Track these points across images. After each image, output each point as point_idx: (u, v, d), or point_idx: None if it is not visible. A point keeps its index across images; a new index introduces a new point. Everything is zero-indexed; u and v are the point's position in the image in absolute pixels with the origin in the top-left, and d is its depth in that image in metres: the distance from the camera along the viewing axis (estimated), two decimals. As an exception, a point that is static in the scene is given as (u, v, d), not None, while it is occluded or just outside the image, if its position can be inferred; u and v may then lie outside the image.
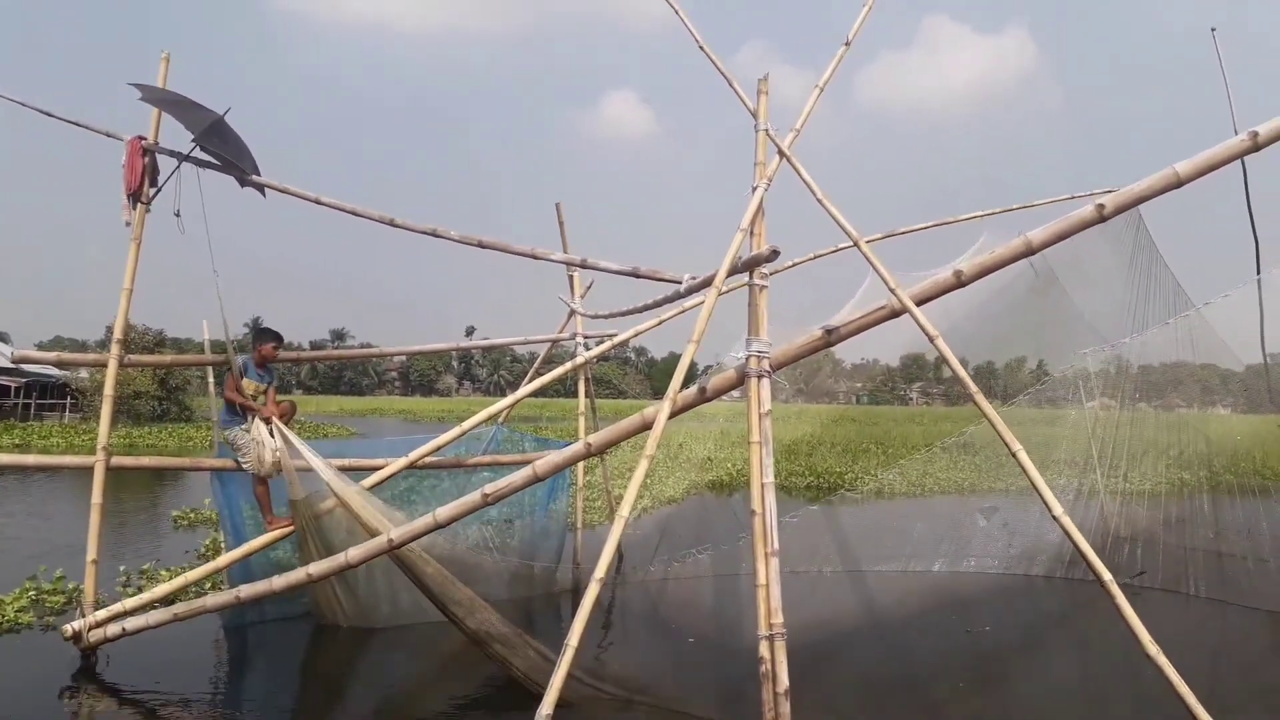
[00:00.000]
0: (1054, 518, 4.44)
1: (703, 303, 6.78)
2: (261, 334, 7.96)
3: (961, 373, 4.83)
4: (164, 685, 6.93)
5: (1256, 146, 4.57)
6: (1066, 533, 4.38)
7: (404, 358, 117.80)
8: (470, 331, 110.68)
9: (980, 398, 4.75)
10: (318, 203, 7.07)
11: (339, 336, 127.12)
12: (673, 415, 5.28)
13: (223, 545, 8.58)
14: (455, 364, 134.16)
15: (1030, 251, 5.06)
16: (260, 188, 7.48)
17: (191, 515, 14.67)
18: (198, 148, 7.31)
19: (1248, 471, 12.49)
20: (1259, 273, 8.93)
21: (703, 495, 18.15)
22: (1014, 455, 4.60)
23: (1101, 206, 4.87)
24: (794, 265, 9.61)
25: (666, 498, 15.98)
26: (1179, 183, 4.72)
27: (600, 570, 4.79)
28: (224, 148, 7.27)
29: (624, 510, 4.97)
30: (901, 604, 10.03)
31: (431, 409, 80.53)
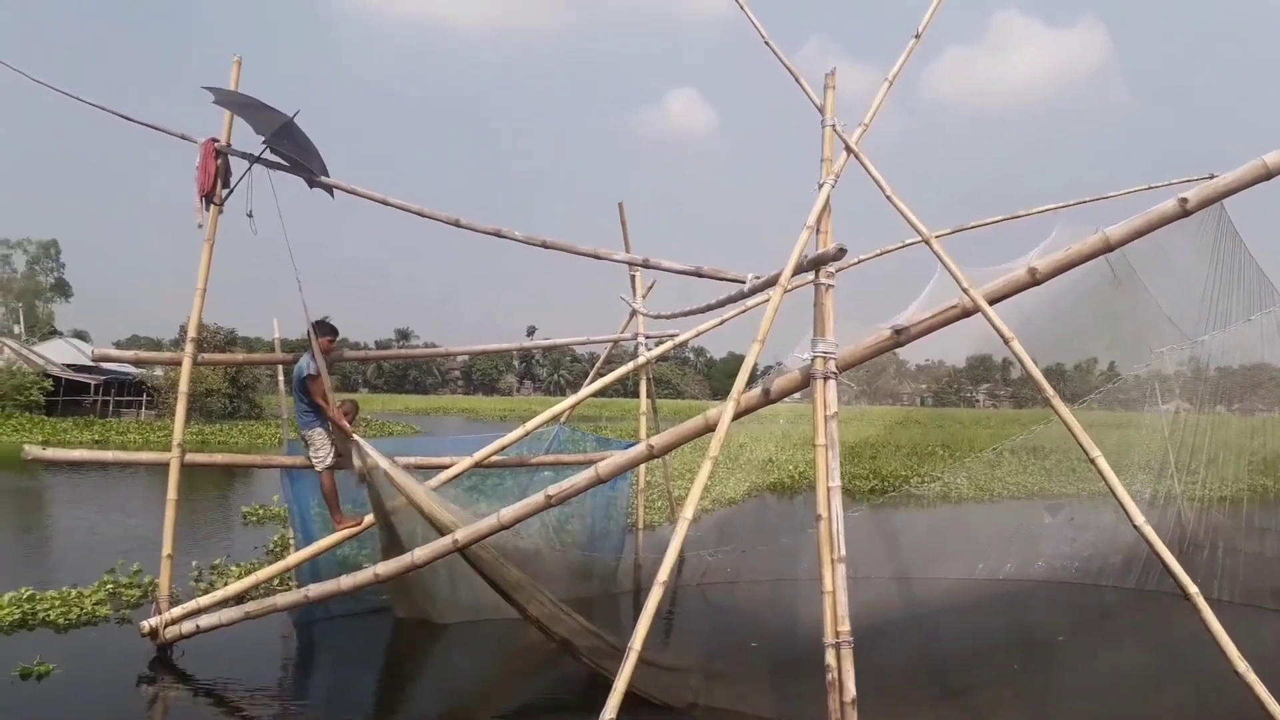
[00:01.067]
0: (1135, 527, 4.25)
1: (764, 302, 6.75)
2: (318, 327, 7.96)
3: (1038, 376, 4.66)
4: (236, 676, 7.16)
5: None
6: (1149, 543, 4.19)
7: (467, 357, 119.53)
8: (531, 332, 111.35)
9: (1058, 402, 4.59)
10: (384, 203, 7.15)
11: (404, 336, 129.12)
12: (737, 417, 5.20)
13: (291, 541, 8.74)
14: (516, 364, 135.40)
15: (1109, 248, 4.88)
16: (329, 188, 7.60)
17: (260, 511, 14.99)
18: (268, 149, 7.45)
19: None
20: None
21: (764, 497, 18.01)
22: (1092, 462, 4.43)
23: (1184, 200, 4.68)
24: (859, 262, 9.40)
25: (727, 499, 15.86)
26: (1268, 175, 4.52)
27: (664, 573, 4.74)
28: (294, 149, 7.40)
29: (687, 512, 4.91)
30: (968, 610, 9.77)
31: (493, 408, 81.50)
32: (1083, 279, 9.92)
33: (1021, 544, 11.37)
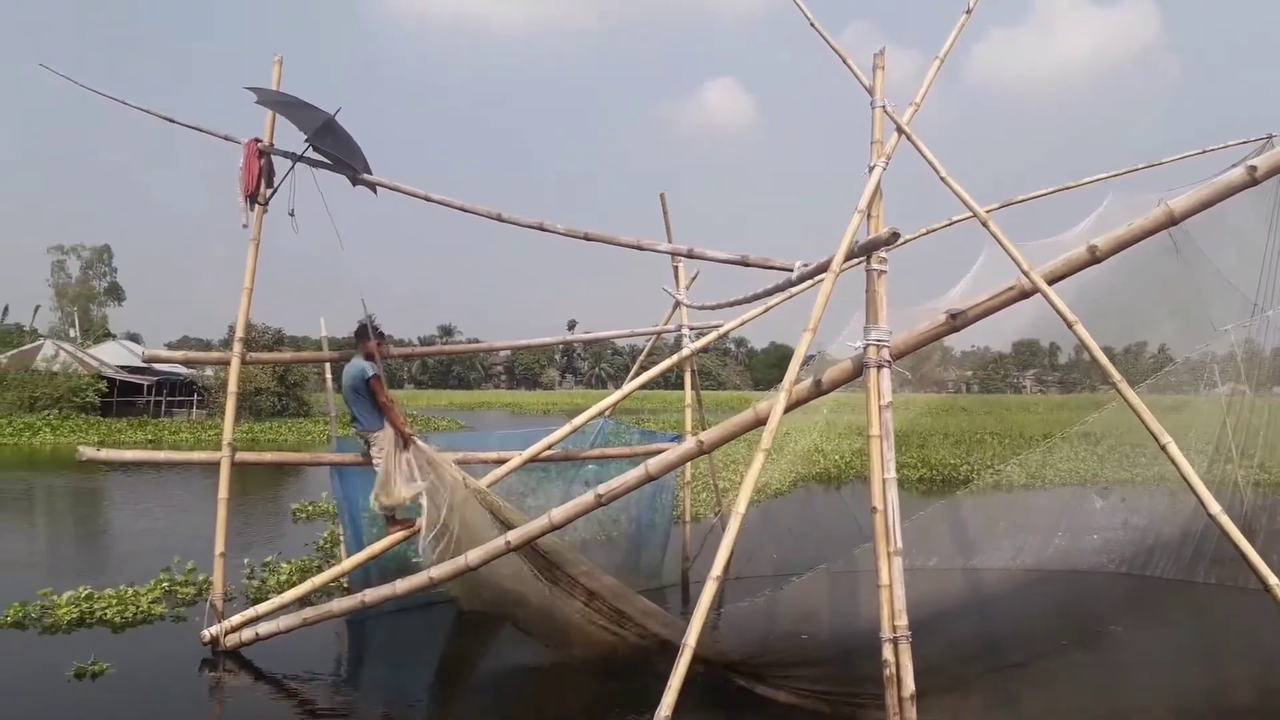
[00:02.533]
0: (1210, 516, 4.07)
1: (805, 291, 6.60)
2: (368, 330, 7.98)
3: (1104, 361, 4.48)
4: (291, 673, 7.22)
5: None
6: (1224, 531, 4.01)
7: (509, 352, 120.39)
8: (572, 325, 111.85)
9: (1125, 386, 4.42)
10: (427, 199, 7.13)
11: (447, 332, 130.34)
12: (789, 409, 5.08)
13: (341, 538, 8.79)
14: (558, 358, 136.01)
15: (1172, 222, 4.68)
16: (372, 185, 7.60)
17: (310, 509, 15.15)
18: (311, 148, 7.47)
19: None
20: None
21: (809, 488, 17.82)
22: (1163, 449, 4.26)
23: (1253, 169, 4.46)
24: (905, 242, 9.16)
25: (773, 490, 15.70)
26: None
27: (717, 569, 4.65)
28: (336, 147, 7.41)
29: (740, 506, 4.81)
30: (1021, 598, 9.49)
31: (536, 402, 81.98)
32: (1139, 249, 9.54)
33: (1072, 530, 11.01)
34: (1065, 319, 4.65)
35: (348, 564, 7.81)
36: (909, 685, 5.05)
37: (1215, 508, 4.04)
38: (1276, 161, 4.37)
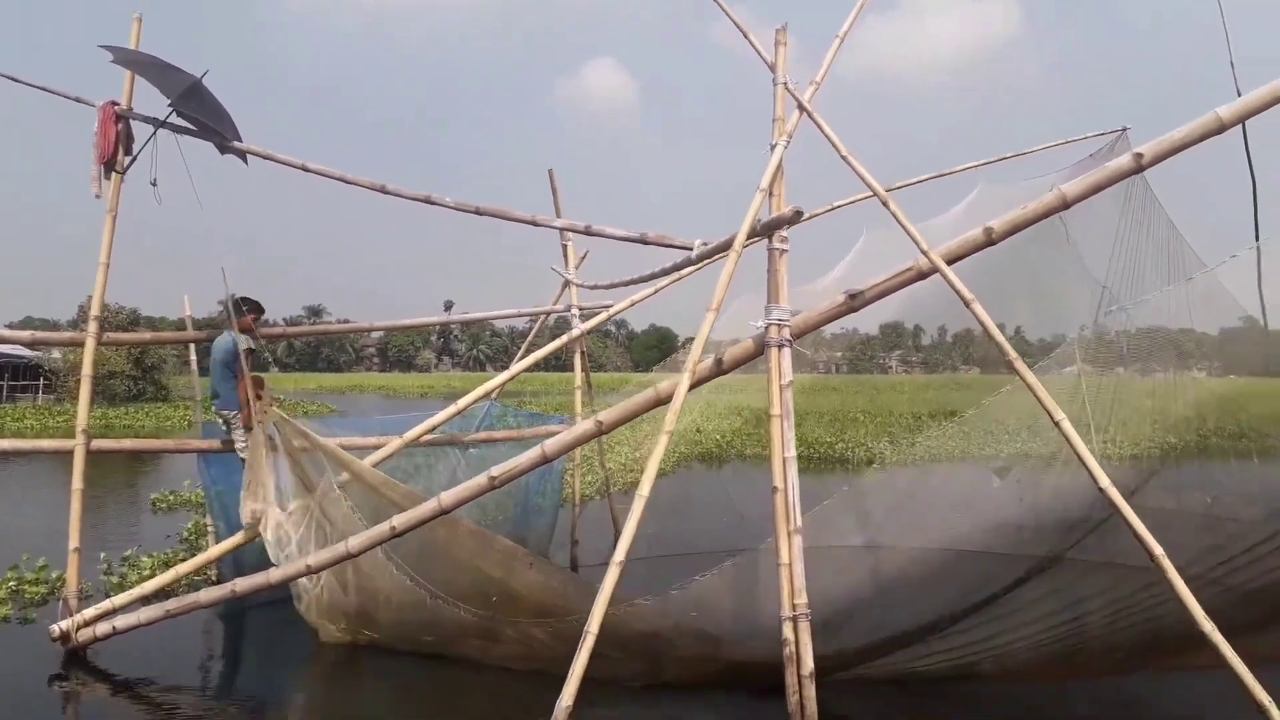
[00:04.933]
0: (1100, 489, 4.21)
1: (695, 272, 6.51)
2: (243, 303, 7.56)
3: (1000, 338, 4.57)
4: (155, 675, 6.65)
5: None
6: (1115, 505, 4.15)
7: (382, 334, 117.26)
8: (449, 306, 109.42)
9: (1020, 364, 4.52)
10: (304, 169, 6.70)
11: (315, 313, 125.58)
12: (692, 388, 5.01)
13: (208, 529, 8.27)
14: (434, 339, 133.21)
15: (1065, 206, 4.81)
16: (242, 154, 7.10)
17: (171, 498, 14.26)
18: (175, 113, 6.92)
19: (1234, 434, 12.35)
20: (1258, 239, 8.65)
21: (691, 468, 17.99)
22: (1057, 425, 4.38)
23: (1139, 156, 4.62)
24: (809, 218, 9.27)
25: (657, 471, 15.73)
26: (1221, 128, 4.48)
27: (620, 553, 4.55)
28: (202, 112, 6.89)
29: (644, 489, 4.74)
30: (920, 579, 9.72)
31: (412, 385, 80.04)
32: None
33: (970, 509, 11.35)
34: (963, 298, 4.72)
35: (215, 551, 7.29)
36: (808, 663, 5.08)
37: (1105, 481, 4.17)
38: (1160, 149, 4.53)
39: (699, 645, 6.06)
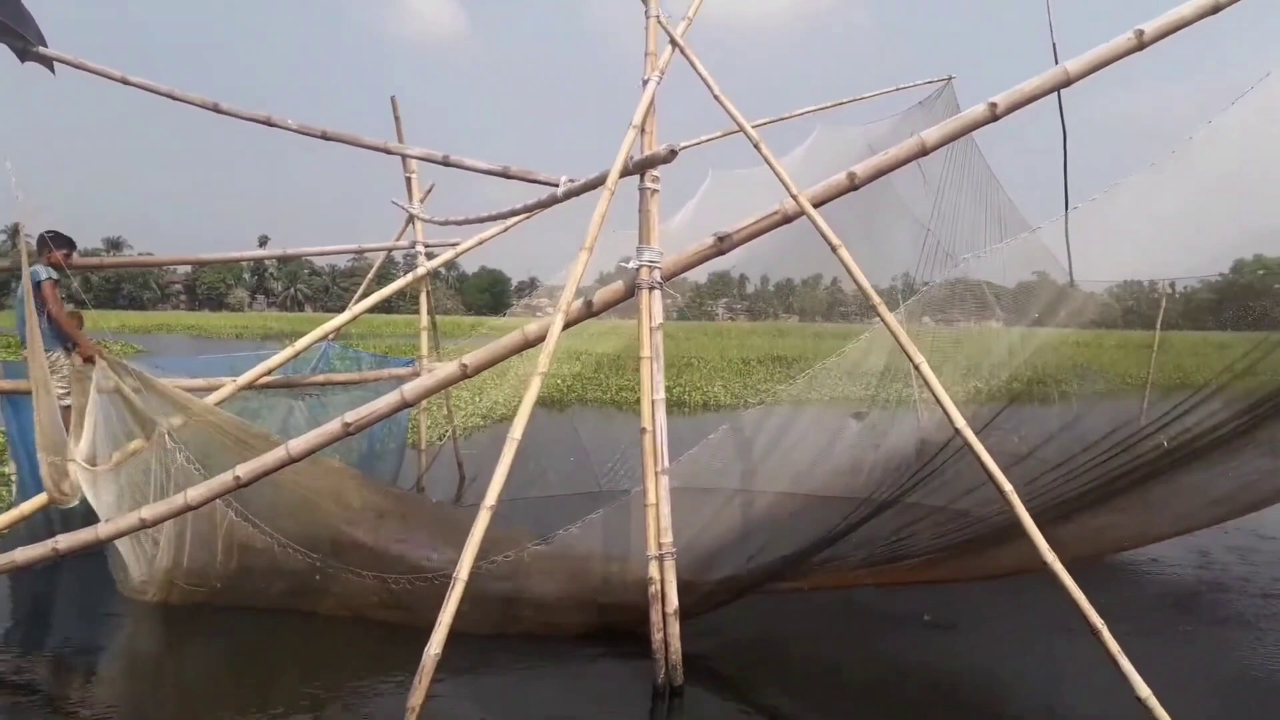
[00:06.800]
0: (956, 430, 4.42)
1: (536, 211, 6.27)
2: (56, 239, 6.84)
3: (865, 283, 4.70)
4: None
5: (1142, 45, 4.59)
6: (970, 447, 4.37)
7: (189, 269, 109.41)
8: (263, 241, 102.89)
9: (884, 309, 4.67)
10: (125, 82, 6.01)
11: (115, 246, 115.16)
12: (565, 328, 4.90)
13: (13, 479, 7.47)
14: (248, 277, 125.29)
15: (924, 152, 4.96)
16: (48, 61, 6.27)
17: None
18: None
19: (1032, 380, 13.41)
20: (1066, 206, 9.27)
21: (533, 411, 17.83)
22: (916, 368, 4.56)
23: (994, 105, 4.80)
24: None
25: (499, 415, 15.54)
26: (1068, 81, 4.71)
27: (491, 497, 4.42)
28: (1, 12, 6.01)
29: (515, 432, 4.62)
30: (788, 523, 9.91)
31: (224, 325, 74.95)
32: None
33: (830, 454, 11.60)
34: (830, 243, 4.81)
35: (29, 506, 6.42)
36: (673, 601, 5.17)
37: (960, 422, 4.39)
38: (1014, 99, 4.72)
39: (562, 590, 6.02)
